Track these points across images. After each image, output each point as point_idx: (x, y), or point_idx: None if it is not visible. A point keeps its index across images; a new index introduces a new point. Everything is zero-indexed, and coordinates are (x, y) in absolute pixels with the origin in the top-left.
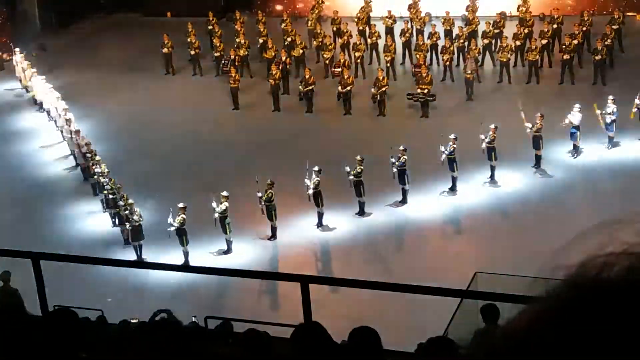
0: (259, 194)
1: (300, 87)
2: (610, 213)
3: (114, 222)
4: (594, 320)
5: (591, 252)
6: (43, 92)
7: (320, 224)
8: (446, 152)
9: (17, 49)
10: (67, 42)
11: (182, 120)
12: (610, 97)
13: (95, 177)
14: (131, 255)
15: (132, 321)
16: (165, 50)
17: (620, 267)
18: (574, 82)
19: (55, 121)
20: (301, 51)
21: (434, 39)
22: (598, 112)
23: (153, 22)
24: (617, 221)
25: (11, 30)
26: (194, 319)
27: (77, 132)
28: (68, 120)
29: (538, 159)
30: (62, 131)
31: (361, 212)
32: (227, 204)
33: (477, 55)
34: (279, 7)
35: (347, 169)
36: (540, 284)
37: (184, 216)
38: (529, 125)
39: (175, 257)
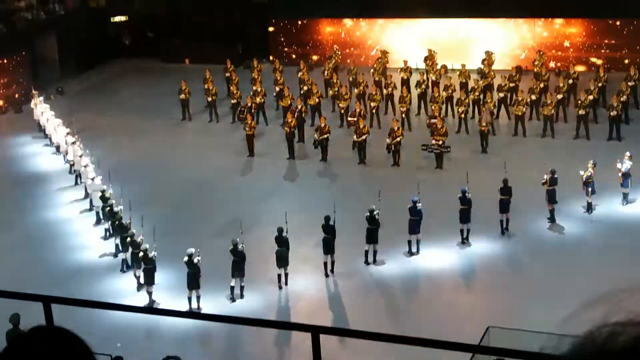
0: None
1: (315, 135)
2: (623, 271)
3: (126, 265)
4: None
5: (598, 321)
6: (60, 135)
7: (331, 272)
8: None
9: (35, 92)
10: (86, 87)
11: (197, 166)
12: (627, 153)
13: (109, 220)
14: (143, 300)
15: None
16: (182, 96)
17: (626, 337)
18: (589, 138)
19: (72, 165)
20: (317, 100)
21: (450, 91)
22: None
23: (172, 68)
24: (623, 290)
25: (31, 74)
26: None
27: (93, 177)
28: (85, 166)
29: (552, 213)
30: (79, 175)
31: (373, 261)
32: (243, 245)
33: (492, 107)
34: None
35: (368, 214)
36: (553, 341)
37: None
38: (544, 180)
39: (186, 302)
